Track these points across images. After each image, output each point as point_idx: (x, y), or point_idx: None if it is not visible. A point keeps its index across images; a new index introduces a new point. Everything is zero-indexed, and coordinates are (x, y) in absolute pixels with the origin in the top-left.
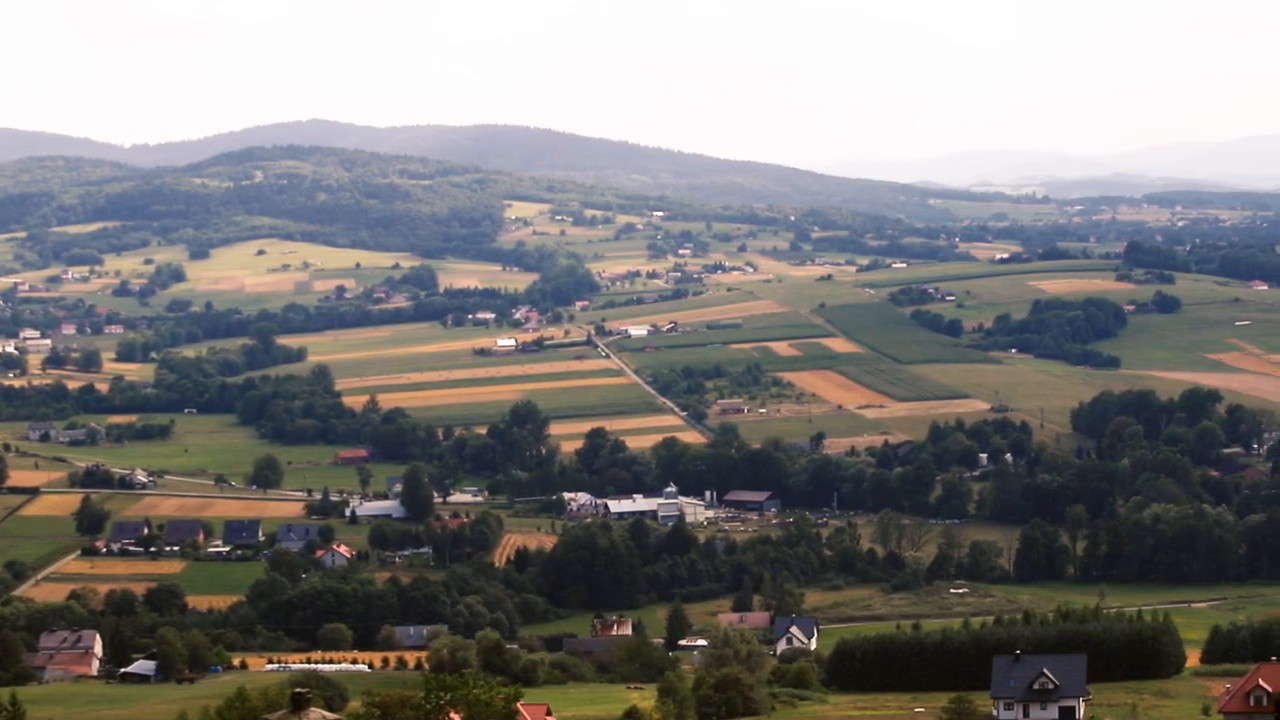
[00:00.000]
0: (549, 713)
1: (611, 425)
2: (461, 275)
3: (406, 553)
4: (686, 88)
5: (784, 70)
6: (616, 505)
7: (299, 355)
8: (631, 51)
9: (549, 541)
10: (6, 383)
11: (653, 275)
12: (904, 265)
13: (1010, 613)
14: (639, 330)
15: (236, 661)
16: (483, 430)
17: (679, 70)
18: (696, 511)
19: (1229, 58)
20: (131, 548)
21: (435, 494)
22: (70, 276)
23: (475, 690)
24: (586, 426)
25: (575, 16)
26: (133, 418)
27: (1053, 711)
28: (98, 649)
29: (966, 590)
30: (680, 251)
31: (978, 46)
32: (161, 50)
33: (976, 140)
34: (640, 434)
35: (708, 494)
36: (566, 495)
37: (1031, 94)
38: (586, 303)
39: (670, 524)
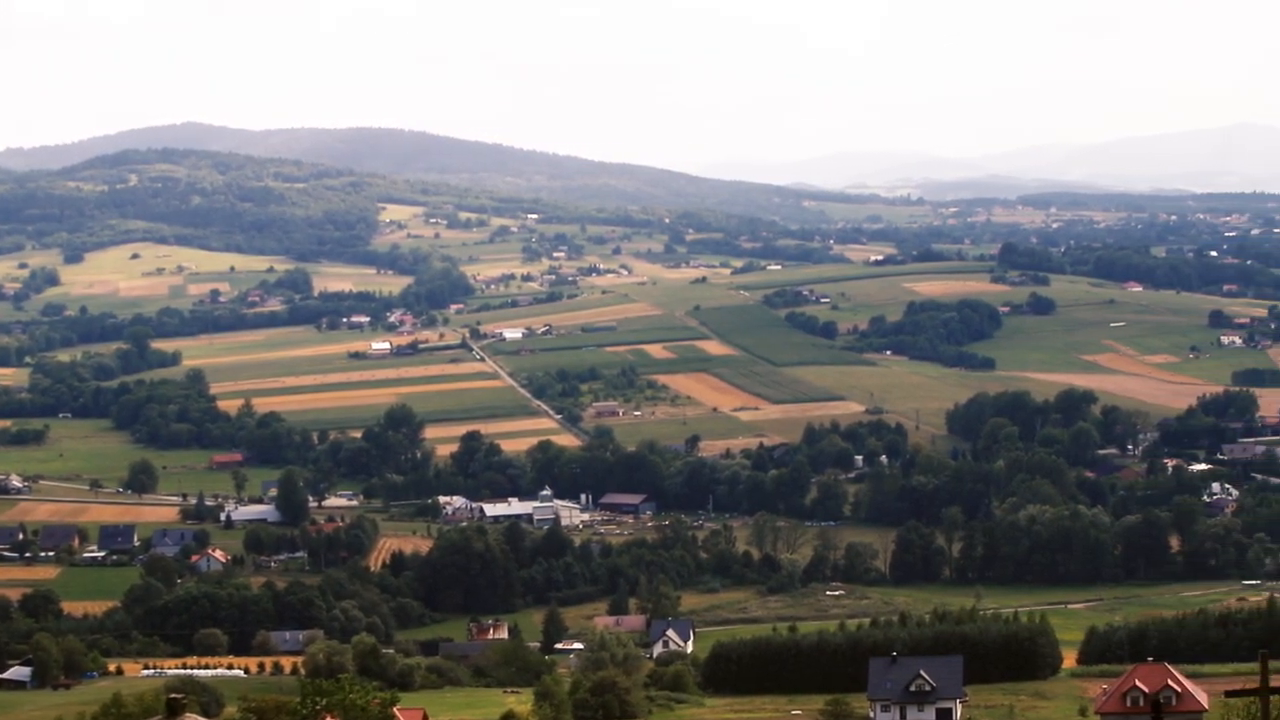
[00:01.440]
0: (426, 717)
1: (486, 428)
2: (336, 279)
3: (282, 557)
4: (558, 89)
5: (657, 71)
6: (492, 509)
7: (174, 359)
8: (503, 53)
9: (424, 545)
10: None
11: (527, 278)
12: (778, 267)
13: (887, 614)
14: (514, 333)
15: (112, 667)
16: (358, 434)
17: (551, 72)
18: (572, 514)
19: (1102, 60)
20: (6, 553)
21: (310, 498)
22: None
23: (351, 695)
24: (461, 430)
25: (447, 16)
26: (7, 422)
27: (930, 713)
28: None
29: (843, 592)
30: (555, 254)
31: (850, 48)
32: (33, 52)
33: (851, 142)
34: (515, 437)
35: (583, 497)
36: (442, 499)
37: (906, 96)
38: (461, 306)
39: (546, 527)
